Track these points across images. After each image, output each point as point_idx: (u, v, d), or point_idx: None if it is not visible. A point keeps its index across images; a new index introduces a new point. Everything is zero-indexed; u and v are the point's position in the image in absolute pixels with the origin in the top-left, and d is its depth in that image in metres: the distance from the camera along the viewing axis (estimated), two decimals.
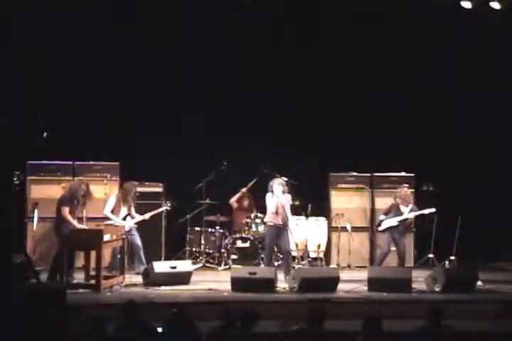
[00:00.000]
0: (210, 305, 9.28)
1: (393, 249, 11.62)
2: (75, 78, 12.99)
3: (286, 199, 11.06)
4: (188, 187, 12.74)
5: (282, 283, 10.54)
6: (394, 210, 11.63)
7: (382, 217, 11.70)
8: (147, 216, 11.83)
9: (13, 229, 7.91)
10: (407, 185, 12.13)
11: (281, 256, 11.55)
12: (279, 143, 13.33)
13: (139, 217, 11.71)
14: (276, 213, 11.01)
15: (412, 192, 12.15)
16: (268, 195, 11.10)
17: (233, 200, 13.16)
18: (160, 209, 12.14)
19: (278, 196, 10.96)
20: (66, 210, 10.61)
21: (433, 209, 11.60)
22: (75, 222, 10.61)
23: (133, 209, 11.74)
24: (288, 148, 13.26)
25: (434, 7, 12.59)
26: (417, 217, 11.71)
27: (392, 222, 11.53)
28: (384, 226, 11.59)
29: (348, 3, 12.95)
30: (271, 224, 11.11)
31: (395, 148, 13.33)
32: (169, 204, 12.21)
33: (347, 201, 13.20)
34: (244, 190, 13.03)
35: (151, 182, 12.81)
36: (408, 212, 11.57)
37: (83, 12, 12.69)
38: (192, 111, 13.24)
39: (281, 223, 10.99)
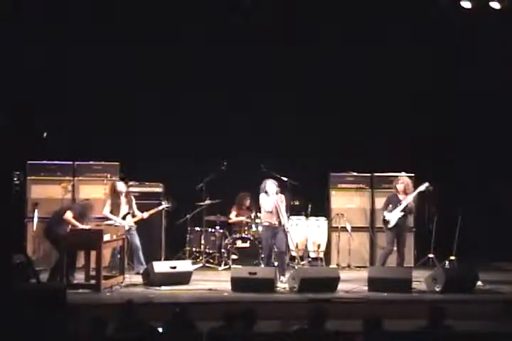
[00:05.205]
0: (210, 305, 9.29)
1: (394, 248, 11.55)
2: (75, 78, 12.98)
3: (280, 200, 11.07)
4: (188, 187, 12.73)
5: (281, 283, 10.55)
6: (392, 200, 11.44)
7: (385, 213, 11.39)
8: (145, 215, 11.84)
9: (13, 229, 7.92)
10: (404, 174, 11.99)
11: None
12: (279, 143, 13.32)
13: (138, 216, 11.73)
14: (271, 213, 11.03)
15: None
16: (262, 196, 11.12)
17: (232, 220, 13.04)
18: (159, 208, 12.13)
19: (273, 194, 10.98)
20: (71, 215, 10.58)
21: (427, 184, 11.41)
22: (77, 223, 10.62)
23: (135, 207, 11.73)
24: (288, 148, 13.25)
25: (434, 7, 12.60)
26: (416, 199, 11.53)
27: (397, 214, 11.32)
28: (392, 222, 11.27)
29: (349, 2, 12.95)
30: (266, 224, 11.13)
31: (395, 148, 13.32)
32: (168, 203, 12.19)
33: (347, 201, 13.18)
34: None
35: (151, 182, 12.82)
36: (405, 198, 11.45)
37: (83, 12, 12.70)
38: (192, 111, 13.24)
39: (276, 223, 11.01)
